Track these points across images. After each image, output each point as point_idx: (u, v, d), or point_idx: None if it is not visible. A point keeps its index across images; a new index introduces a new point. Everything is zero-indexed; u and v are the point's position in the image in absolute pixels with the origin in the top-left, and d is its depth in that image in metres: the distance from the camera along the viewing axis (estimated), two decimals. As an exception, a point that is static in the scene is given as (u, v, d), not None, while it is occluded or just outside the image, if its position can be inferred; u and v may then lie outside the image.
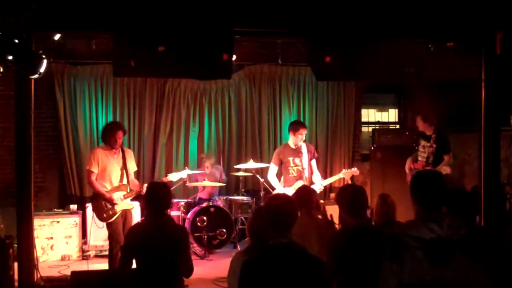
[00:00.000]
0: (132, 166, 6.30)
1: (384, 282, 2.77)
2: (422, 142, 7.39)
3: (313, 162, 7.02)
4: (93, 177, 5.99)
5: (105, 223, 6.03)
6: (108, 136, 6.08)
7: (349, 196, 3.66)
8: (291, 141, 6.90)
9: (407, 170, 7.52)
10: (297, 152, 6.86)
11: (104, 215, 5.97)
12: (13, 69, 5.08)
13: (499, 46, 5.81)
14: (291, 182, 6.81)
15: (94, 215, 6.06)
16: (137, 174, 8.20)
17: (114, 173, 6.11)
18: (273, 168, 6.97)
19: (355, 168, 7.33)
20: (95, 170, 5.99)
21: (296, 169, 6.86)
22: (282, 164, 6.92)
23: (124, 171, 6.16)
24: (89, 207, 7.27)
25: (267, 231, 3.11)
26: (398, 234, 2.82)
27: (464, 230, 2.79)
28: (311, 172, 6.97)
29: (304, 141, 6.99)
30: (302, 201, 4.33)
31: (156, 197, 4.09)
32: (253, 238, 3.35)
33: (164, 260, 3.95)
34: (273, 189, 7.09)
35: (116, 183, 6.10)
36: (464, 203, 3.45)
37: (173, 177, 6.70)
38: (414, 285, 2.72)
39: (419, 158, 7.44)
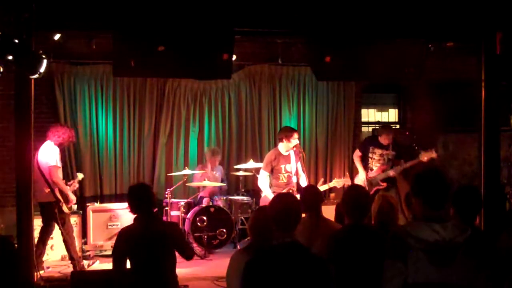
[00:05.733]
0: None
1: (389, 280, 2.75)
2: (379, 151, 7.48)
3: (299, 164, 6.94)
4: None
5: None
6: None
7: (351, 196, 3.67)
8: (283, 147, 6.81)
9: (363, 184, 7.28)
10: (288, 158, 6.84)
11: None
12: (13, 69, 5.08)
13: (499, 46, 5.81)
14: (281, 188, 6.74)
15: None
16: (137, 174, 8.27)
17: None
18: (265, 175, 6.84)
19: (346, 178, 7.42)
20: None
21: (286, 175, 6.84)
22: (272, 170, 6.85)
23: None
24: (89, 206, 7.30)
25: (269, 230, 3.10)
26: (400, 234, 2.80)
27: (469, 232, 2.77)
28: (298, 176, 6.94)
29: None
30: (309, 202, 4.28)
31: (136, 199, 4.12)
32: (254, 237, 3.34)
33: (155, 260, 3.99)
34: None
35: None
36: (470, 198, 3.45)
37: None
38: (416, 285, 2.71)
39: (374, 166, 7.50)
